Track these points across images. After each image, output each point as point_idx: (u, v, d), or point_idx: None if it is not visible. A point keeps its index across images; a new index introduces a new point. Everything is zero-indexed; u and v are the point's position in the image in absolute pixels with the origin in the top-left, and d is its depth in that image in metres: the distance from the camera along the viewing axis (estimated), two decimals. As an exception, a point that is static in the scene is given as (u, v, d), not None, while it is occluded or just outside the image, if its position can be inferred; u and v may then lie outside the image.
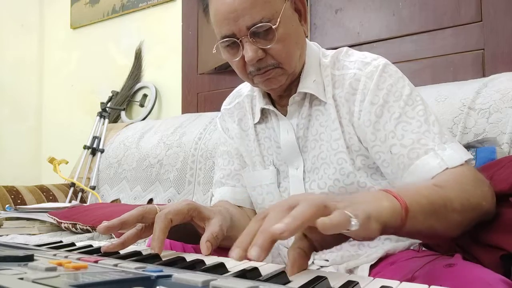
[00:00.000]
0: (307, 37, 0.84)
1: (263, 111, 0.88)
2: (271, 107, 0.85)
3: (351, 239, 0.49)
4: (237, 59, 0.76)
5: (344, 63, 0.81)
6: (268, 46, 0.74)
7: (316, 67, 0.82)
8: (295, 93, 0.81)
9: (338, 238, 0.49)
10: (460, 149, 0.69)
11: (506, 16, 1.46)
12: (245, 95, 0.93)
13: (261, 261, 0.42)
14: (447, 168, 0.66)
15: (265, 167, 0.87)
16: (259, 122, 0.89)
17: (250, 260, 0.43)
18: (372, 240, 0.49)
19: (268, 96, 0.87)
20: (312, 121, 0.82)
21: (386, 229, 0.49)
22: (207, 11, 0.78)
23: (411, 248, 0.78)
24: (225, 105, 0.98)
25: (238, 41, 0.74)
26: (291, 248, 0.47)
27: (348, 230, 0.43)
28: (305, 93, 0.81)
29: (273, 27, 0.72)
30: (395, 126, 0.72)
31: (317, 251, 0.49)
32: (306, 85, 0.81)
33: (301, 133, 0.82)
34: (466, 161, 0.68)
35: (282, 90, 0.82)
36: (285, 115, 0.84)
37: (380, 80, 0.75)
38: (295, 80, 0.82)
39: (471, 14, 1.53)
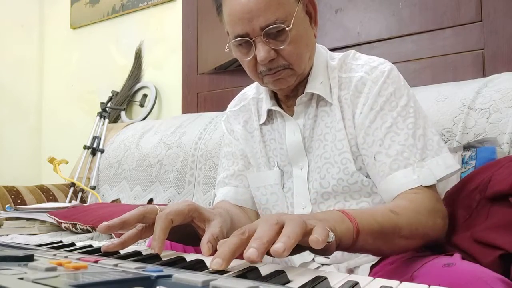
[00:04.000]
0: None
1: (269, 113, 0.89)
2: (277, 108, 0.87)
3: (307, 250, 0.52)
4: (249, 58, 0.78)
5: (352, 66, 0.83)
6: (281, 47, 0.75)
7: (323, 69, 0.84)
8: (302, 93, 0.83)
9: (295, 249, 0.51)
10: (439, 165, 0.73)
11: (506, 16, 1.46)
12: (250, 98, 0.95)
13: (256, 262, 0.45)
14: (420, 186, 0.71)
15: (270, 168, 0.88)
16: (264, 124, 0.91)
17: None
18: (328, 254, 0.53)
19: (275, 97, 0.89)
20: (318, 121, 0.84)
21: (340, 246, 0.53)
22: (220, 10, 0.80)
23: (411, 248, 0.79)
24: (230, 107, 1.00)
25: (251, 41, 0.76)
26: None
27: (328, 242, 0.48)
28: (312, 94, 0.84)
29: (287, 28, 0.74)
30: (384, 135, 0.76)
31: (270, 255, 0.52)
32: (313, 86, 0.83)
33: (307, 134, 0.84)
34: (446, 175, 0.73)
35: (290, 90, 0.84)
36: (291, 116, 0.85)
37: (383, 87, 0.78)
38: (303, 81, 0.84)
39: (471, 14, 1.53)
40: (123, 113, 2.40)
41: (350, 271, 0.78)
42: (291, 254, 0.52)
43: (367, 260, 0.77)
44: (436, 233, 0.68)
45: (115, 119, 2.40)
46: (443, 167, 0.73)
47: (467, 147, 1.09)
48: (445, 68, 1.56)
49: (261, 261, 0.46)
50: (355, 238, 0.54)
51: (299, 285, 0.39)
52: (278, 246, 0.44)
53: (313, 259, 0.81)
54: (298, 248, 0.51)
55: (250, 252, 0.44)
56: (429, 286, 0.40)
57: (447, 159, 0.74)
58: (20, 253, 0.45)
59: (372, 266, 0.76)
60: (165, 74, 2.35)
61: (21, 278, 0.33)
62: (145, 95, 2.39)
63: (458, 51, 1.54)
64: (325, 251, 0.51)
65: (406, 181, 0.72)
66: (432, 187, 0.72)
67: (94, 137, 2.18)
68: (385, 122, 0.76)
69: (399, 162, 0.73)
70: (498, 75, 1.23)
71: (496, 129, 1.08)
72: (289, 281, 0.42)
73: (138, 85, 2.41)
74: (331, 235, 0.48)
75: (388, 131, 0.76)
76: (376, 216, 0.60)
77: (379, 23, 1.71)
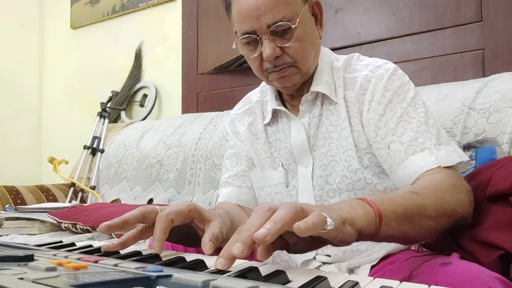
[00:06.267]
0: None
1: (274, 114, 0.91)
2: (282, 108, 0.88)
3: (328, 245, 0.51)
4: (255, 55, 0.80)
5: (356, 67, 0.85)
6: (286, 45, 0.77)
7: (328, 70, 0.86)
8: (307, 92, 0.84)
9: (313, 243, 0.50)
10: (454, 152, 0.73)
11: (506, 16, 1.46)
12: (255, 101, 0.96)
13: (244, 256, 0.44)
14: (439, 166, 0.69)
15: (274, 168, 0.89)
16: (269, 124, 0.92)
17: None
18: (348, 245, 0.51)
19: (280, 98, 0.90)
20: (322, 120, 0.85)
21: (362, 235, 0.51)
22: (229, 10, 0.83)
23: (412, 248, 0.79)
24: (234, 111, 1.01)
25: (258, 38, 0.78)
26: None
27: (325, 230, 0.45)
28: (317, 93, 0.85)
29: (292, 26, 0.76)
30: (396, 125, 0.76)
31: (289, 252, 0.51)
32: (318, 85, 0.84)
33: (312, 132, 0.85)
34: (458, 163, 0.72)
35: (295, 89, 0.85)
36: (296, 116, 0.87)
37: (389, 82, 0.79)
38: (308, 81, 0.85)
39: (471, 14, 1.53)
40: (123, 113, 2.40)
41: (351, 271, 0.78)
42: (304, 251, 0.51)
43: (368, 260, 0.77)
44: (463, 210, 0.65)
45: (115, 119, 2.40)
46: (457, 155, 0.73)
47: (467, 147, 1.09)
48: (445, 68, 1.56)
49: (248, 254, 0.45)
50: (378, 224, 0.52)
51: (299, 285, 0.39)
52: (259, 232, 0.43)
53: (314, 257, 0.81)
54: (315, 242, 0.49)
55: (235, 247, 0.43)
56: (429, 286, 0.40)
57: (458, 149, 0.75)
58: (20, 253, 0.45)
59: (372, 266, 0.76)
60: (165, 74, 2.35)
61: (21, 278, 0.34)
62: (145, 95, 2.39)
63: (458, 51, 1.55)
64: (341, 242, 0.49)
65: (424, 163, 0.71)
66: (451, 167, 0.71)
67: (94, 137, 2.18)
68: (396, 113, 0.77)
69: (415, 147, 0.73)
70: (498, 75, 1.23)
71: (496, 129, 1.08)
72: (289, 281, 0.42)
73: (138, 85, 2.41)
74: (329, 222, 0.45)
75: (399, 121, 0.76)
76: (396, 198, 0.58)
77: (379, 23, 1.71)
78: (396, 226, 0.55)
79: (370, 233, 0.52)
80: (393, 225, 0.55)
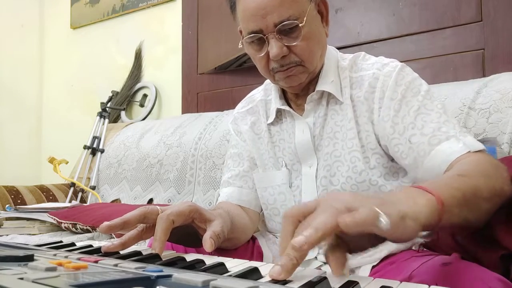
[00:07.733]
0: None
1: (278, 113, 0.90)
2: (287, 107, 0.87)
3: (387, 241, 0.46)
4: (262, 55, 0.79)
5: (362, 66, 0.84)
6: (294, 44, 0.77)
7: (334, 69, 0.85)
8: (313, 91, 0.84)
9: (372, 240, 0.46)
10: (474, 140, 0.70)
11: (506, 16, 1.46)
12: (258, 100, 0.95)
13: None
14: (469, 152, 0.66)
15: (278, 168, 0.89)
16: (273, 124, 0.91)
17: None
18: (409, 241, 0.46)
19: (284, 97, 0.89)
20: (328, 120, 0.84)
21: (424, 226, 0.46)
22: (234, 8, 0.82)
23: (412, 248, 0.79)
24: (237, 109, 1.00)
25: (264, 37, 0.77)
26: (329, 252, 0.45)
27: (377, 228, 0.41)
28: (323, 92, 0.84)
29: (300, 25, 0.75)
30: (415, 118, 0.74)
31: (350, 253, 0.47)
32: (324, 85, 0.83)
33: (317, 132, 0.84)
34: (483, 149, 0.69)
35: (301, 88, 0.85)
36: (300, 115, 0.86)
37: (399, 77, 0.78)
38: (314, 80, 0.85)
39: (471, 14, 1.53)
40: (123, 113, 2.40)
41: (351, 271, 0.78)
42: (362, 250, 0.46)
43: (369, 260, 0.77)
44: (509, 187, 0.60)
45: (115, 119, 2.40)
46: (480, 143, 0.70)
47: (467, 147, 1.09)
48: (445, 68, 1.56)
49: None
50: (441, 212, 0.48)
51: (299, 285, 0.39)
52: (297, 239, 0.40)
53: (316, 257, 0.81)
54: (373, 239, 0.44)
55: (279, 268, 0.41)
56: (429, 286, 0.40)
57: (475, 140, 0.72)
58: (20, 253, 0.45)
59: (373, 267, 0.76)
60: (165, 74, 2.36)
61: (21, 278, 0.34)
62: (145, 95, 2.39)
63: (458, 51, 1.54)
64: (400, 239, 0.43)
65: (452, 150, 0.67)
66: (481, 151, 0.67)
67: (94, 137, 2.18)
68: (412, 107, 0.75)
69: (439, 137, 0.70)
70: (498, 75, 1.23)
71: (496, 129, 1.08)
72: (289, 281, 0.42)
73: (138, 85, 2.41)
74: (383, 219, 0.40)
75: (417, 114, 0.74)
76: (451, 182, 0.54)
77: (379, 23, 1.71)
78: (458, 212, 0.51)
79: (432, 224, 0.47)
80: (455, 212, 0.50)
